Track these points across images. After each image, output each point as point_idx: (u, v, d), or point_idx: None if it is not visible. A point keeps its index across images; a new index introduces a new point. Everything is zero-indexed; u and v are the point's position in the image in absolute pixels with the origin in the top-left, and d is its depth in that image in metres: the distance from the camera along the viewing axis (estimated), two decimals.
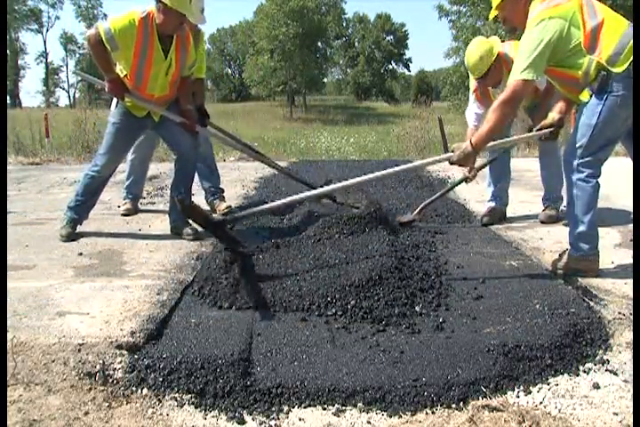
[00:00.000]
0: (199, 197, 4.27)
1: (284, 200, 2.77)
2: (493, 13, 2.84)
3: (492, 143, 2.72)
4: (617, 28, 2.44)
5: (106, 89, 3.28)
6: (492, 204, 3.96)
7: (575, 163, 2.56)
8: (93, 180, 3.51)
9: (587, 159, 2.53)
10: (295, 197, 2.80)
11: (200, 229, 3.52)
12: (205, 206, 4.17)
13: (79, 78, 61.88)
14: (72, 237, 3.47)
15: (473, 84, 3.78)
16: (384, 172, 2.73)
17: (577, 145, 2.54)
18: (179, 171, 3.62)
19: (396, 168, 2.76)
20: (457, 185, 3.87)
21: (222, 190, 4.38)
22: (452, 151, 2.57)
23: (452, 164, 2.60)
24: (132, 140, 3.63)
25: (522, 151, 8.27)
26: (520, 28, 2.76)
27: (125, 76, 3.28)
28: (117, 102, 3.47)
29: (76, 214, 3.55)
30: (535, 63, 2.46)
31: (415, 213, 3.79)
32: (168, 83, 3.34)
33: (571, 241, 2.67)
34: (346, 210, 3.33)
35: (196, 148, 3.62)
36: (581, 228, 2.59)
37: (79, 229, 3.60)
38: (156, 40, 3.16)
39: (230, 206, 4.22)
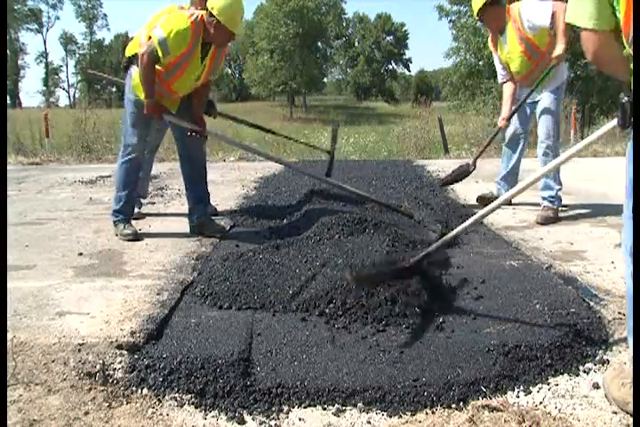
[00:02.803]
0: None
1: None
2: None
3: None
4: None
5: (145, 110, 3.26)
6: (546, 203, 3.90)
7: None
8: (129, 163, 3.45)
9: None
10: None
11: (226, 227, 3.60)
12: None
13: (79, 78, 61.95)
14: (136, 233, 3.45)
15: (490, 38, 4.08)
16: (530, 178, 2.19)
17: None
18: (190, 174, 3.56)
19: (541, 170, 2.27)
20: (496, 134, 4.27)
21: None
22: None
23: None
24: (151, 121, 3.50)
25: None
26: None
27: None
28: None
29: (124, 215, 3.52)
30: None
31: (472, 163, 4.26)
32: (194, 86, 3.38)
33: None
34: (423, 230, 3.30)
35: (203, 148, 3.62)
36: None
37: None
38: (199, 46, 3.17)
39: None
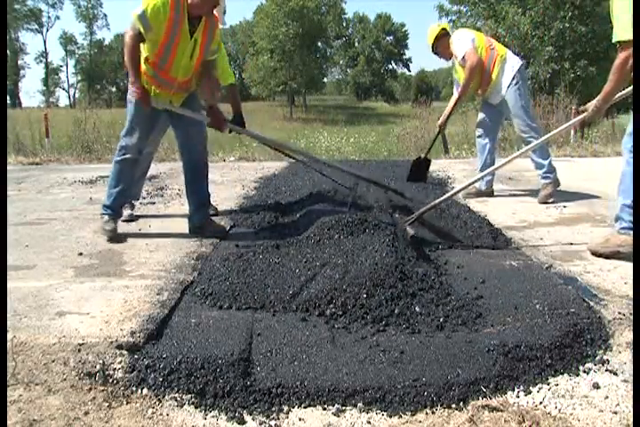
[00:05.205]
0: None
1: None
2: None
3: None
4: None
5: (134, 96, 3.23)
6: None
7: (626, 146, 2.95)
8: (123, 163, 3.41)
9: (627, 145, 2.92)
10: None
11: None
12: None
13: (79, 78, 61.97)
14: (116, 232, 3.41)
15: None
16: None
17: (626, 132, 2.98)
18: (192, 172, 3.51)
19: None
20: (437, 136, 5.11)
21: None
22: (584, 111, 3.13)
23: (587, 121, 3.13)
24: (155, 118, 3.45)
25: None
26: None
27: (147, 59, 3.22)
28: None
29: (112, 210, 3.46)
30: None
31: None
32: (192, 66, 3.30)
33: (616, 216, 2.97)
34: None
35: (205, 145, 3.58)
36: (629, 200, 2.86)
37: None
38: (185, 20, 3.11)
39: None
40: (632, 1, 2.58)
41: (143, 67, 3.26)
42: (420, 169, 5.17)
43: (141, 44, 3.20)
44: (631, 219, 2.87)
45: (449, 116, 4.79)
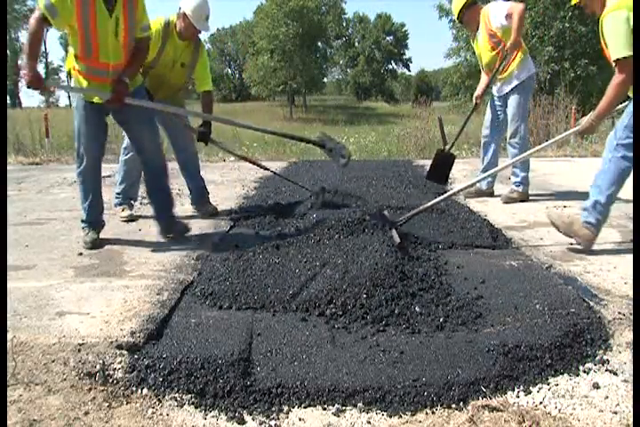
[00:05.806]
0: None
1: None
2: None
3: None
4: None
5: (24, 79, 3.04)
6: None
7: (615, 142, 2.92)
8: (83, 172, 3.30)
9: (624, 141, 2.88)
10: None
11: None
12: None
13: None
14: (97, 243, 3.30)
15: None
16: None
17: (620, 126, 2.93)
18: (148, 171, 3.41)
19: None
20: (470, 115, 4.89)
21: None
22: (579, 124, 3.12)
23: (580, 133, 3.14)
24: (97, 117, 3.26)
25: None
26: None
27: (76, 56, 3.10)
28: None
29: (90, 223, 3.38)
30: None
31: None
32: (120, 46, 3.12)
33: (585, 207, 3.01)
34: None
35: (159, 143, 3.43)
36: (599, 197, 2.93)
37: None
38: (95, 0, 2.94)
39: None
40: (633, 14, 2.57)
41: (75, 65, 3.15)
42: (443, 166, 4.88)
43: (69, 45, 3.09)
44: (599, 217, 2.95)
45: (486, 88, 4.66)
